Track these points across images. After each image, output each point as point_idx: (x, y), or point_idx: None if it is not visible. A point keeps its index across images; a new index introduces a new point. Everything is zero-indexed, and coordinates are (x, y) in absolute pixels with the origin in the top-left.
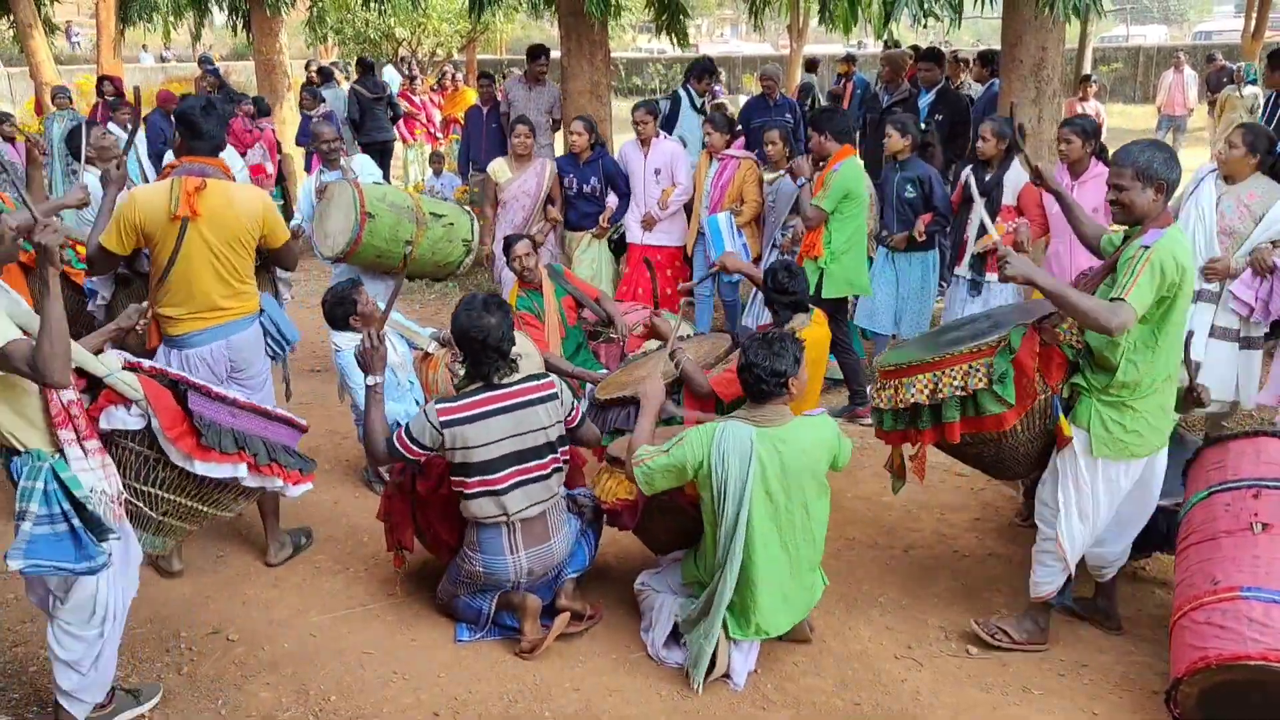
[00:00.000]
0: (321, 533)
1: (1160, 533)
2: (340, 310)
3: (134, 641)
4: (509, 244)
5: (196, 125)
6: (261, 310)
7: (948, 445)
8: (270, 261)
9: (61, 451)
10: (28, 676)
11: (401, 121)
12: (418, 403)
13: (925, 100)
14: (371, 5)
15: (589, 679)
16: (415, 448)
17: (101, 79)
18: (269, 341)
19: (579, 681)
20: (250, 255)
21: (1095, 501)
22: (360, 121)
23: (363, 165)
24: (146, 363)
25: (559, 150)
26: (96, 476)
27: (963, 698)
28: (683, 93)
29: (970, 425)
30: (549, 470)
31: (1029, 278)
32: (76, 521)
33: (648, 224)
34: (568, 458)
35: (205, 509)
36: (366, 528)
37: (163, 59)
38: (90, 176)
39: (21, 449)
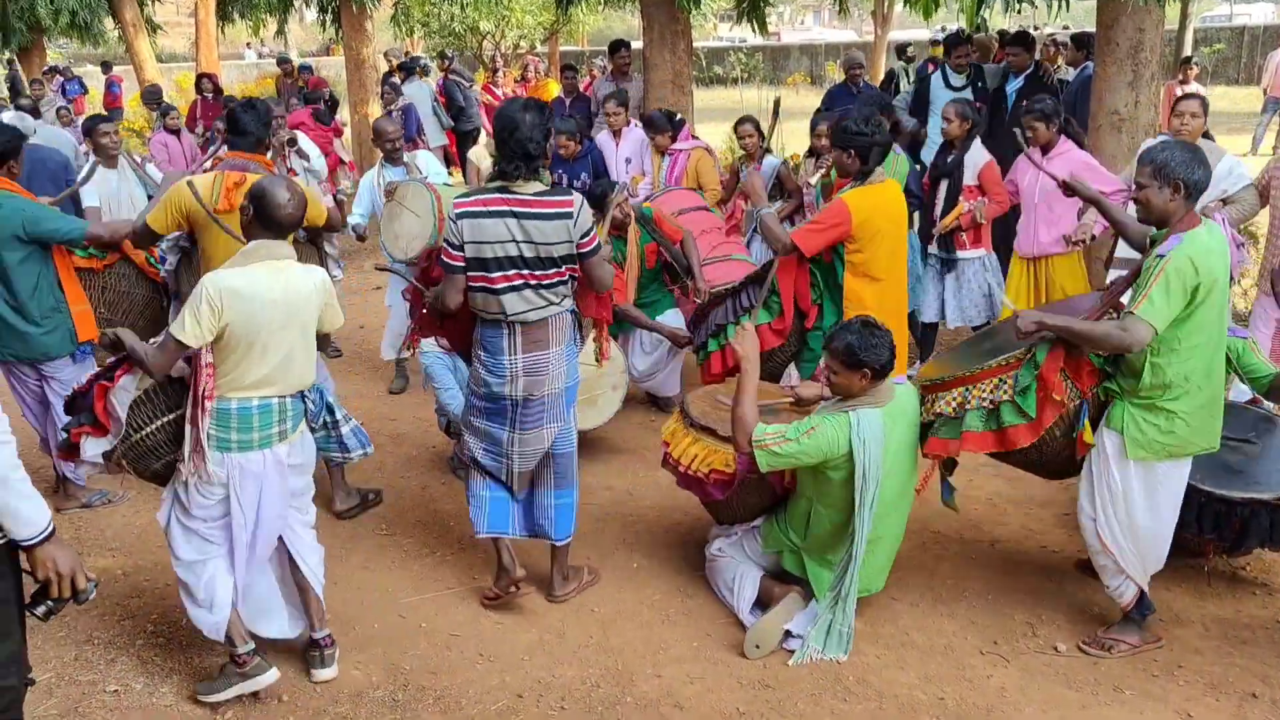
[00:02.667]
0: (410, 518)
1: (1263, 528)
2: None
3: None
4: (605, 193)
5: (238, 122)
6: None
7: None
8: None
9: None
10: (134, 649)
11: (483, 112)
12: None
13: (1014, 86)
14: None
15: (670, 666)
16: (450, 249)
17: (200, 76)
18: None
19: (660, 668)
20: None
21: (1131, 504)
22: (461, 109)
23: (428, 163)
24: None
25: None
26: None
27: (1051, 695)
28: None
29: (995, 440)
30: (552, 280)
31: (1042, 325)
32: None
33: (620, 215)
34: (575, 275)
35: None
36: (453, 513)
37: (261, 56)
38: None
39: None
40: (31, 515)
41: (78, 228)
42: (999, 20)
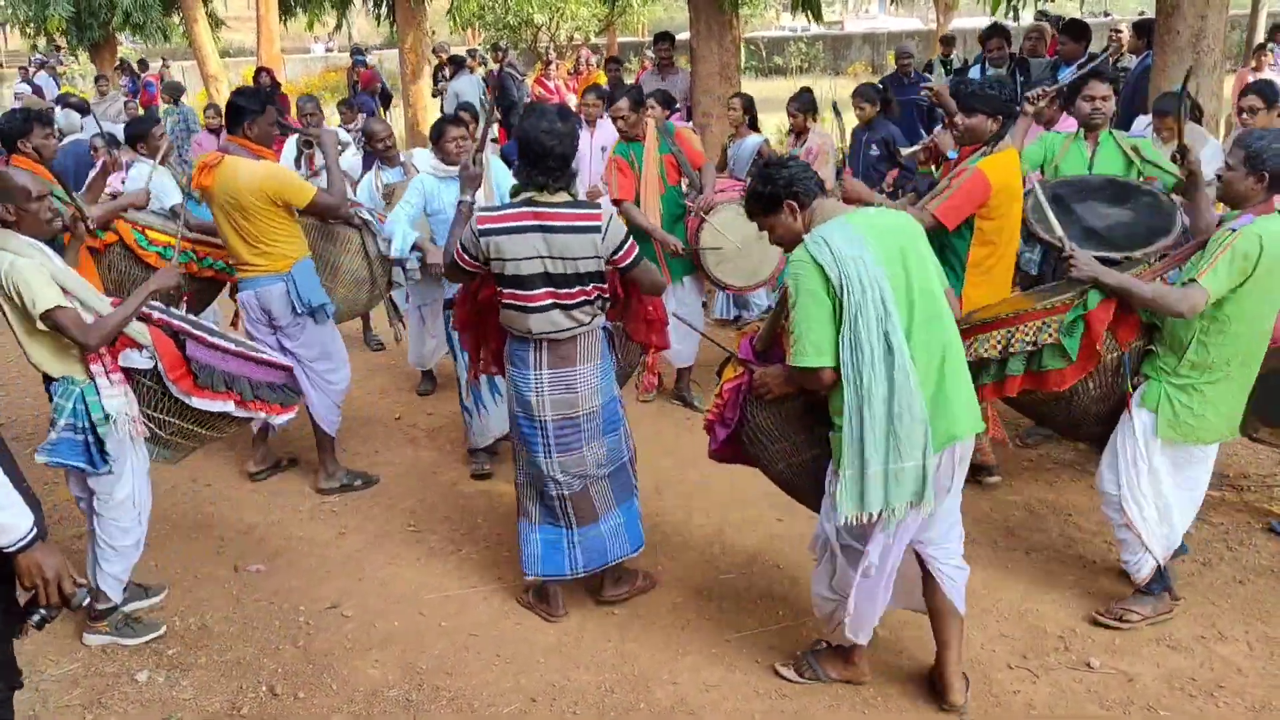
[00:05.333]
0: (438, 513)
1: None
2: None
3: (257, 613)
4: (613, 98)
5: (230, 112)
6: (289, 272)
7: (1022, 403)
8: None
9: (94, 380)
10: (158, 643)
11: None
12: None
13: (1065, 75)
14: None
15: (687, 673)
16: (467, 258)
17: (258, 70)
18: (292, 300)
19: (677, 675)
20: (267, 220)
21: (1158, 480)
22: (513, 104)
23: (422, 159)
24: (156, 313)
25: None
26: (121, 402)
27: (1081, 714)
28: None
29: (1031, 381)
30: (577, 300)
31: (1095, 277)
32: (91, 437)
33: (592, 197)
34: (604, 294)
35: (203, 431)
36: (481, 510)
37: (328, 50)
38: (142, 167)
39: (57, 376)
40: (9, 522)
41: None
42: (1070, 8)
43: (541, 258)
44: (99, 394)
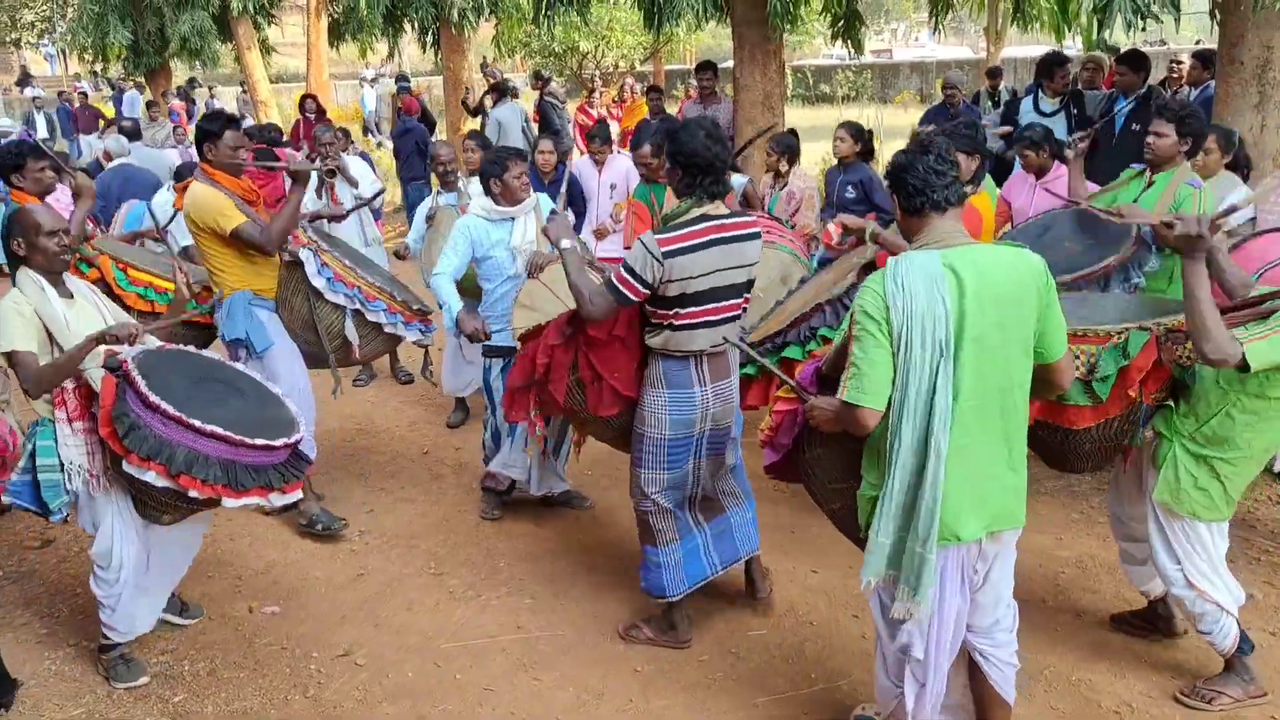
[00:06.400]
0: (460, 555)
1: None
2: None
3: (268, 659)
4: (638, 144)
5: (195, 140)
6: (219, 302)
7: None
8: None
9: (54, 425)
10: (152, 652)
11: (577, 133)
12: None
13: (1122, 107)
14: (550, 19)
15: None
16: (637, 285)
17: (304, 97)
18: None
19: None
20: (207, 247)
21: (1203, 537)
22: (556, 132)
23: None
24: (128, 356)
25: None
26: (79, 451)
27: None
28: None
29: (1046, 411)
30: (737, 311)
31: (1200, 234)
32: (36, 478)
33: (600, 234)
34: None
35: (159, 507)
36: (504, 552)
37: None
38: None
39: (40, 415)
40: None
41: None
42: (1122, 38)
43: (719, 270)
44: (55, 439)
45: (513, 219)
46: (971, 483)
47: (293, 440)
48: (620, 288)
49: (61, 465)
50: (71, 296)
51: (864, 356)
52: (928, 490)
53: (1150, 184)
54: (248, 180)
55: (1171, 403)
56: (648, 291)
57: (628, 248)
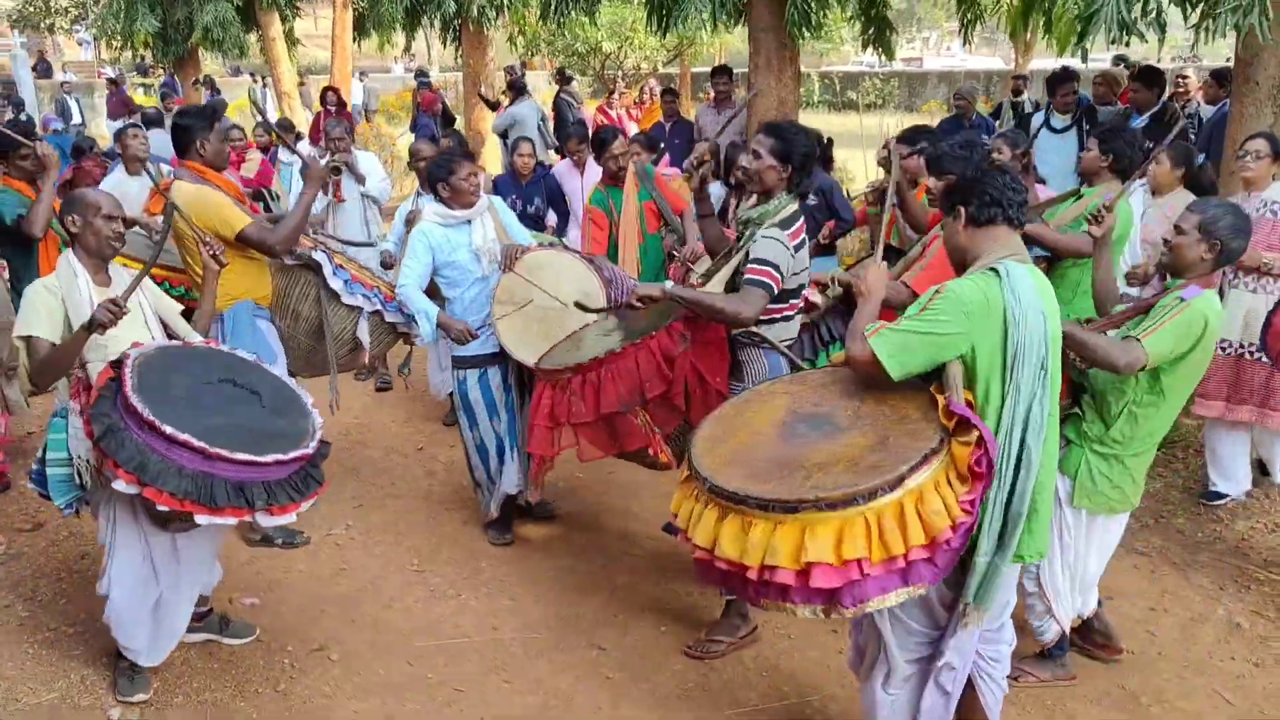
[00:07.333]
0: (442, 554)
1: None
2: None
3: (243, 651)
4: (606, 140)
5: (176, 136)
6: (226, 312)
7: None
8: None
9: (66, 417)
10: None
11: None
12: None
13: (1137, 124)
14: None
15: None
16: (778, 275)
17: (326, 90)
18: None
19: None
20: (187, 249)
21: (1078, 551)
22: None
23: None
24: (144, 351)
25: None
26: (86, 446)
27: None
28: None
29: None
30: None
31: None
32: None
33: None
34: None
35: (157, 515)
36: (488, 553)
37: (407, 70)
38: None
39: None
40: None
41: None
42: (1101, 50)
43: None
44: (67, 430)
45: (469, 221)
46: (1043, 500)
47: (289, 456)
48: (766, 280)
49: (71, 459)
50: (108, 285)
51: (924, 337)
52: (1015, 504)
53: (1079, 196)
54: (227, 178)
55: (1079, 410)
56: (782, 280)
57: (589, 256)
